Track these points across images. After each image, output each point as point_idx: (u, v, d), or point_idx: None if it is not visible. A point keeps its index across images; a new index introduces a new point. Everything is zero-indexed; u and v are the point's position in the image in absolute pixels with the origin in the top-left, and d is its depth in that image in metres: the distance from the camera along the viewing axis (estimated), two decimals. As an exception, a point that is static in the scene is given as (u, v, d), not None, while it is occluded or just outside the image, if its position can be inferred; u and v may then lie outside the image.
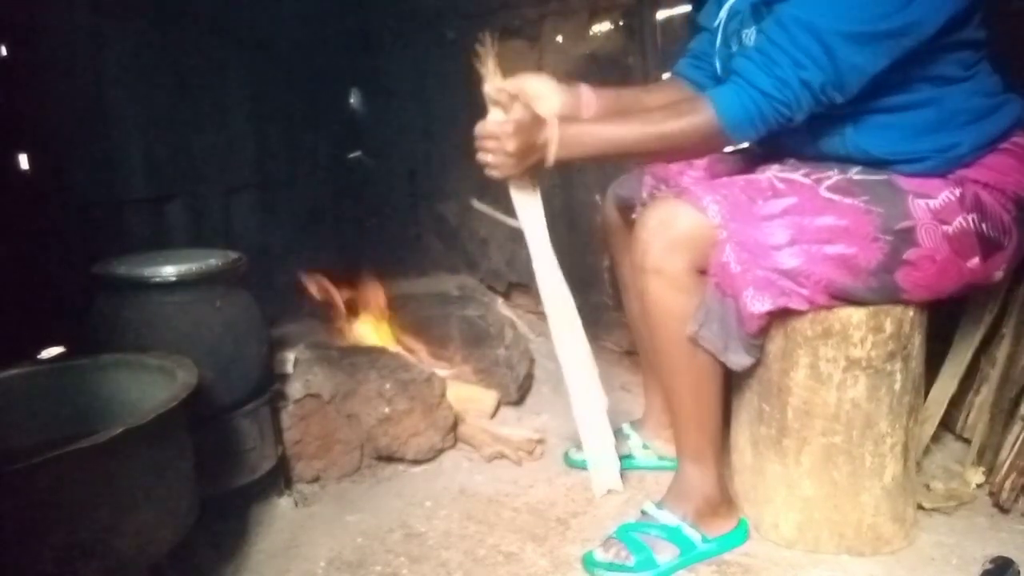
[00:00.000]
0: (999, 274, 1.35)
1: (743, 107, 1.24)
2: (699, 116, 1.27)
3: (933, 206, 1.27)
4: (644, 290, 1.33)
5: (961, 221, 1.27)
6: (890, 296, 1.30)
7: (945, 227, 1.27)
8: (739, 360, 1.33)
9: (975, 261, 1.29)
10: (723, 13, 1.45)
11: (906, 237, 1.26)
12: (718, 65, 1.48)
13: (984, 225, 1.28)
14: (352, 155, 2.42)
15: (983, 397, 1.63)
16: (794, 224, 1.27)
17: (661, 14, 2.03)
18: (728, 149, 1.37)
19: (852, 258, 1.26)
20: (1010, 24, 1.68)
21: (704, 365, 1.34)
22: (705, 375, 1.36)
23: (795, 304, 1.29)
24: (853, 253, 1.26)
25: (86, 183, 1.80)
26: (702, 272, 1.30)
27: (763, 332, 1.33)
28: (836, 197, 1.28)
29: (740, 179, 1.36)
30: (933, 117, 1.29)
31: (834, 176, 1.32)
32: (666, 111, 1.31)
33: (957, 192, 1.28)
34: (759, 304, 1.27)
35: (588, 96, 1.47)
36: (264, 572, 1.44)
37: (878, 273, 1.27)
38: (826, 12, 1.19)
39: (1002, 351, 1.60)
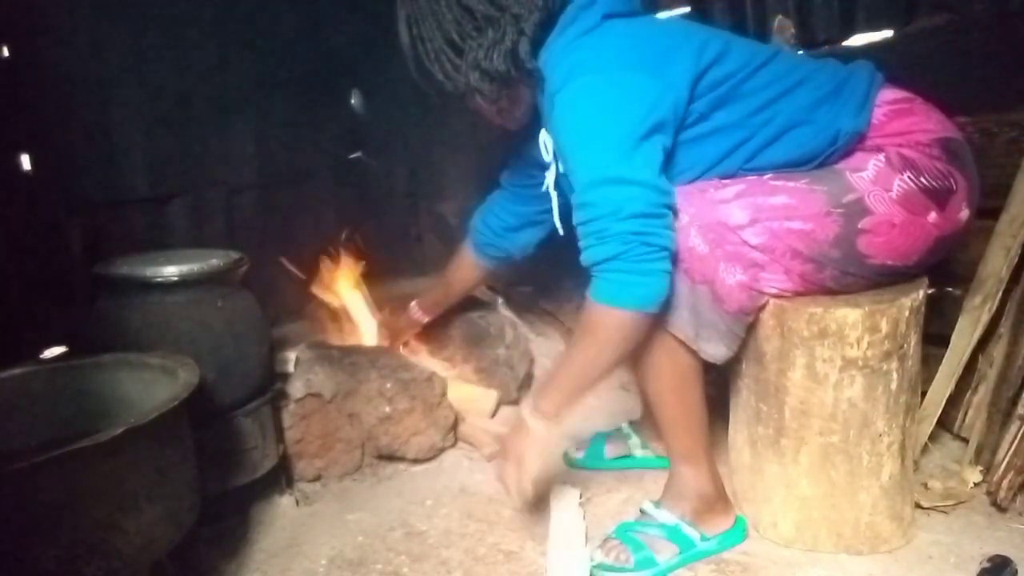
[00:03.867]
0: (964, 215, 1.35)
1: (617, 281, 1.21)
2: (606, 322, 1.24)
3: (869, 176, 1.30)
4: None
5: (900, 183, 1.30)
6: (858, 264, 1.31)
7: (888, 193, 1.29)
8: (715, 351, 1.34)
9: (933, 215, 1.31)
10: (549, 179, 1.50)
11: (857, 208, 1.29)
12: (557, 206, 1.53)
13: (922, 179, 1.30)
14: (353, 155, 2.42)
15: (980, 396, 1.64)
16: (750, 204, 1.29)
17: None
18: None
19: (811, 232, 1.29)
20: (1010, 24, 1.68)
21: (683, 365, 1.35)
22: (685, 374, 1.36)
23: (769, 277, 1.30)
24: (811, 228, 1.28)
25: (88, 183, 1.81)
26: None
27: (743, 314, 1.33)
28: (780, 182, 1.31)
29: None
30: (801, 127, 1.33)
31: (770, 170, 1.35)
32: (583, 335, 1.29)
33: (881, 158, 1.32)
34: (732, 275, 1.29)
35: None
36: (265, 570, 1.45)
37: (839, 244, 1.29)
38: (591, 162, 1.23)
39: (999, 350, 1.60)
